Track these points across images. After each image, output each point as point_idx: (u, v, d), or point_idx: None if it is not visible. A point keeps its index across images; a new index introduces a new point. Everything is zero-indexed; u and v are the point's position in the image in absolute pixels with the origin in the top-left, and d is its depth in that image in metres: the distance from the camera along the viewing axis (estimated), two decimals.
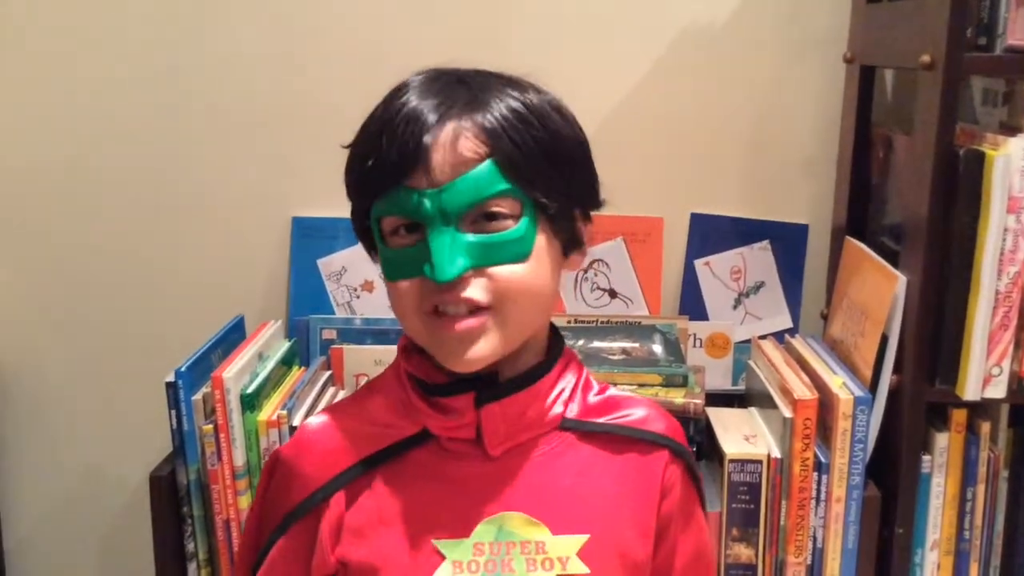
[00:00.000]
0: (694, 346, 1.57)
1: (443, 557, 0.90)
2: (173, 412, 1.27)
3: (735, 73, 1.55)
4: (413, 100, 0.87)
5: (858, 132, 1.49)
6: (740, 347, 1.57)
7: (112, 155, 1.59)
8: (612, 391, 1.01)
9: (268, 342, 1.41)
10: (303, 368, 1.45)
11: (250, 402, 1.28)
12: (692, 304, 1.60)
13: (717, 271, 1.61)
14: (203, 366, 1.30)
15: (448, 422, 0.93)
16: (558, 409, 0.95)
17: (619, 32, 1.54)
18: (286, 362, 1.43)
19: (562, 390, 0.96)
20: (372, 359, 1.46)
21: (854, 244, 1.45)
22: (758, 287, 1.61)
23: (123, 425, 1.67)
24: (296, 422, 1.29)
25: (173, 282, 1.63)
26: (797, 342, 1.44)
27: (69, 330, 1.66)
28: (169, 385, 1.26)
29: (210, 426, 1.27)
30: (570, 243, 0.94)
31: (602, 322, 1.55)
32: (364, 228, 0.94)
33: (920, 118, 1.25)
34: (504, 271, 0.87)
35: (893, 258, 1.33)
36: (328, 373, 1.45)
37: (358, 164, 0.90)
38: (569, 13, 1.53)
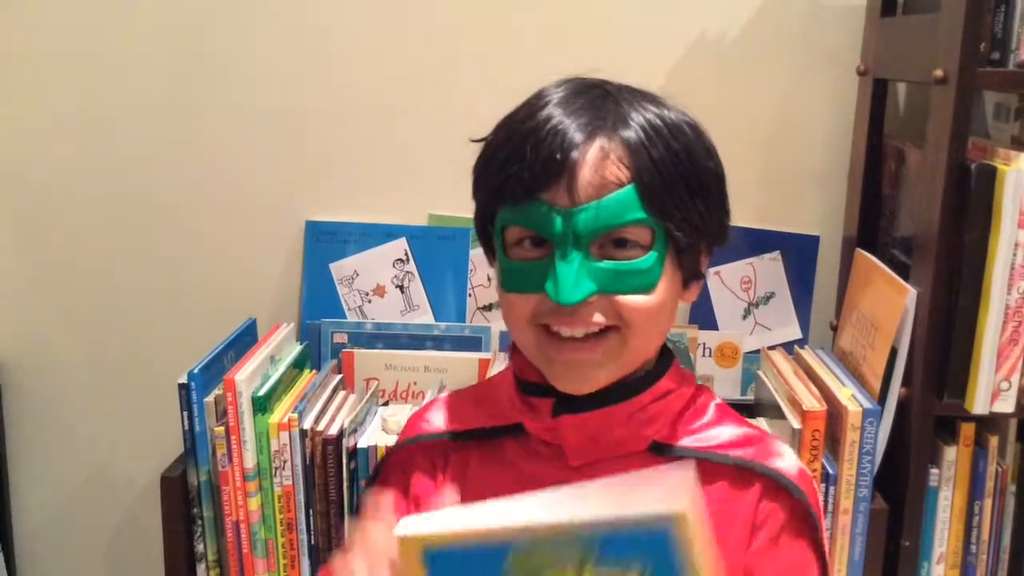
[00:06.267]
0: (703, 355, 1.57)
1: None
2: (185, 413, 1.28)
3: (748, 84, 1.56)
4: (559, 111, 0.85)
5: (870, 144, 1.49)
6: (749, 357, 1.58)
7: (127, 157, 1.60)
8: (727, 426, 0.94)
9: (280, 345, 1.42)
10: (314, 371, 1.46)
11: (262, 404, 1.29)
12: (702, 313, 1.60)
13: (727, 281, 1.61)
14: (215, 368, 1.31)
15: (535, 422, 0.92)
16: (650, 432, 0.91)
17: (632, 43, 1.54)
18: (298, 365, 1.43)
19: (660, 413, 0.91)
20: (383, 363, 1.47)
21: (864, 256, 1.45)
22: (768, 297, 1.61)
23: (135, 426, 1.68)
24: (307, 425, 1.30)
25: (186, 284, 1.64)
26: (806, 353, 1.45)
27: (82, 331, 1.67)
28: (181, 386, 1.27)
29: (221, 428, 1.28)
30: (691, 275, 0.92)
31: None
32: (485, 231, 0.93)
33: (932, 132, 1.25)
34: (628, 300, 0.85)
35: (903, 271, 1.33)
36: (339, 377, 1.46)
37: (495, 167, 0.87)
38: (583, 24, 1.53)
